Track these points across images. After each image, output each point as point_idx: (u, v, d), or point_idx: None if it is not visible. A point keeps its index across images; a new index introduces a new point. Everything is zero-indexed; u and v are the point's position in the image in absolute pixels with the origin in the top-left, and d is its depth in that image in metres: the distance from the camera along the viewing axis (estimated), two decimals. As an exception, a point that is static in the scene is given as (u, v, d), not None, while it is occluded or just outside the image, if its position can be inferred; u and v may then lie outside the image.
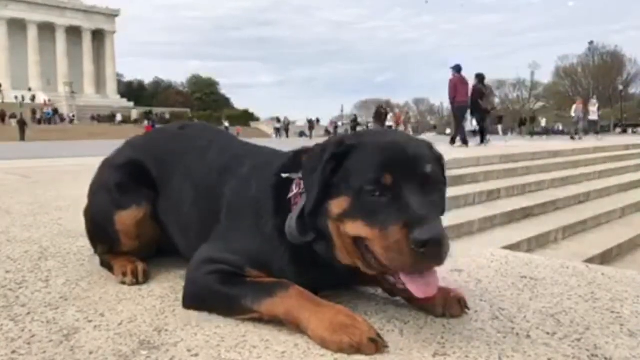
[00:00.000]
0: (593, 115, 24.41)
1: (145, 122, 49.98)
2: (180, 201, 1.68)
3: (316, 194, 1.26)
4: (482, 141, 15.48)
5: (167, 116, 60.45)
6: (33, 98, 69.59)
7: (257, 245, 1.39)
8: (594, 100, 25.96)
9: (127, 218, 1.71)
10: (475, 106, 15.09)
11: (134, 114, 67.53)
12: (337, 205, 1.24)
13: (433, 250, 1.11)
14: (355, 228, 1.22)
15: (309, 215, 1.29)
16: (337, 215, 1.24)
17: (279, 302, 1.27)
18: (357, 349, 1.15)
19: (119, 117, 63.02)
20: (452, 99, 14.37)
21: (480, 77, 15.32)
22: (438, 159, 1.33)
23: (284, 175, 1.41)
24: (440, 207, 1.26)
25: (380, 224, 1.17)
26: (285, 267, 1.38)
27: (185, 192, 1.67)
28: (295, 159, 1.45)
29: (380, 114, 20.49)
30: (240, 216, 1.46)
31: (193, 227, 1.62)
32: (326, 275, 1.39)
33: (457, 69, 14.32)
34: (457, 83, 14.20)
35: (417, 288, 1.19)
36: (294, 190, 1.38)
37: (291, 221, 1.33)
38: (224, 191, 1.53)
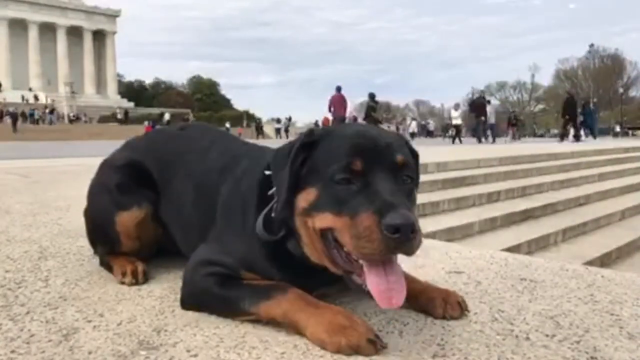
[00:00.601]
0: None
1: (146, 123, 50.12)
2: (182, 202, 1.67)
3: (286, 189, 1.22)
4: None
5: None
6: (36, 98, 69.50)
7: (244, 245, 1.37)
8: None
9: (127, 219, 1.71)
10: (368, 118, 18.94)
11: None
12: (304, 199, 1.21)
13: (405, 236, 1.06)
14: (323, 219, 1.18)
15: (280, 212, 1.26)
16: (304, 209, 1.21)
17: (277, 304, 1.26)
18: (356, 350, 1.14)
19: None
20: (333, 113, 17.84)
21: (371, 95, 19.55)
22: (413, 153, 1.32)
23: (268, 172, 1.37)
24: (411, 200, 1.22)
25: (349, 211, 1.12)
26: (269, 268, 1.35)
27: (187, 192, 1.66)
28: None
29: (479, 105, 21.36)
30: (231, 216, 1.44)
31: (194, 227, 1.62)
32: (312, 273, 1.34)
33: (338, 89, 17.91)
34: (335, 100, 17.68)
35: (380, 296, 1.14)
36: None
37: (259, 219, 1.32)
38: (221, 191, 1.52)
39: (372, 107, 19.62)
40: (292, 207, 1.24)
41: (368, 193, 1.13)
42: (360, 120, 19.93)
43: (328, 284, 1.42)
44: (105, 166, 1.87)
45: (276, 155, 1.32)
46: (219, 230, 1.47)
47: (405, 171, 1.21)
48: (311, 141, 1.25)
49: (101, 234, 1.80)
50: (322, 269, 1.30)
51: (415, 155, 1.33)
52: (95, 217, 1.82)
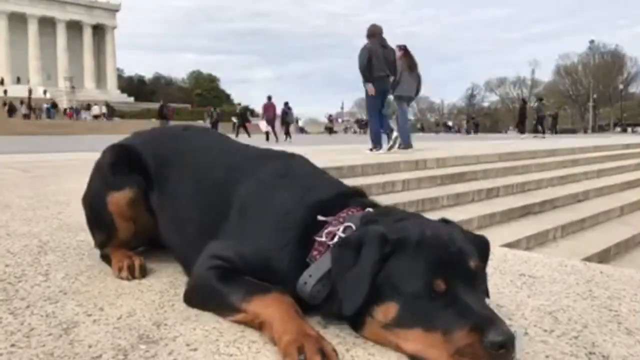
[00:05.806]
0: None
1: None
2: (179, 197, 1.66)
3: (362, 297, 1.15)
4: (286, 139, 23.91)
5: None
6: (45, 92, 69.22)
7: (264, 260, 1.33)
8: None
9: (119, 198, 1.71)
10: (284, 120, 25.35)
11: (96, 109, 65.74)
12: (384, 313, 1.15)
13: (509, 353, 1.04)
14: (410, 337, 1.12)
15: (349, 312, 1.19)
16: (386, 324, 1.15)
17: (271, 302, 1.23)
18: (300, 346, 1.08)
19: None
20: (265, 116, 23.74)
21: (286, 104, 25.87)
22: (482, 246, 1.30)
23: (320, 218, 1.33)
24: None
25: (442, 328, 1.08)
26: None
27: (185, 187, 1.65)
28: (337, 201, 1.39)
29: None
30: (258, 222, 1.41)
31: (192, 222, 1.60)
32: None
33: (269, 97, 23.65)
34: (267, 106, 23.44)
35: None
36: (323, 237, 1.30)
37: (309, 280, 1.26)
38: (236, 189, 1.49)
39: (285, 112, 25.20)
40: (364, 310, 1.18)
41: (457, 308, 1.09)
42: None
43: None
44: (105, 149, 1.89)
45: (339, 254, 1.22)
46: (237, 229, 1.43)
47: (480, 275, 1.21)
48: (387, 253, 1.18)
49: (96, 217, 1.80)
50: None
51: (483, 245, 1.31)
52: (89, 200, 1.83)
